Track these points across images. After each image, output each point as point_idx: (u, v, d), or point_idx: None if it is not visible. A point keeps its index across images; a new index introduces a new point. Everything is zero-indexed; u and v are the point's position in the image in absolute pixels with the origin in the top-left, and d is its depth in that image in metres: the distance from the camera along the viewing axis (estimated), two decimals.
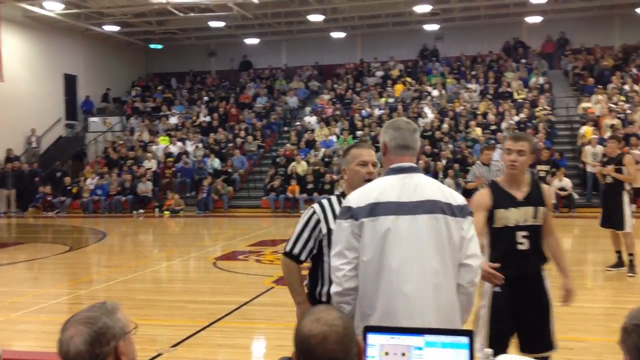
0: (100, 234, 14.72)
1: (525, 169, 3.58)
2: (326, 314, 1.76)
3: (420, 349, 1.96)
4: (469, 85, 22.52)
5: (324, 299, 3.08)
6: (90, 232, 15.61)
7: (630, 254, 8.20)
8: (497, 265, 3.25)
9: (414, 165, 2.63)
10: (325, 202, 3.18)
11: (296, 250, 3.16)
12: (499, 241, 3.51)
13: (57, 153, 23.01)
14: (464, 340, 1.95)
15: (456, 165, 17.53)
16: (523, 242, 3.50)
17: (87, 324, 1.75)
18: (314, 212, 3.15)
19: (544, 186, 3.73)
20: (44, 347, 5.30)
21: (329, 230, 3.01)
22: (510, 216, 3.50)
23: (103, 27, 23.40)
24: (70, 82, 24.44)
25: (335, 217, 2.94)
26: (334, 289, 2.57)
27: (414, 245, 2.48)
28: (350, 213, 2.54)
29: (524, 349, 3.50)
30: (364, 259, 2.52)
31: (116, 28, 23.66)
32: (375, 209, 2.50)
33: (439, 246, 2.49)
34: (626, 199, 8.14)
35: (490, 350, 1.96)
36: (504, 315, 3.46)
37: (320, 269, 3.13)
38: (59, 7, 20.36)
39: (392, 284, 2.47)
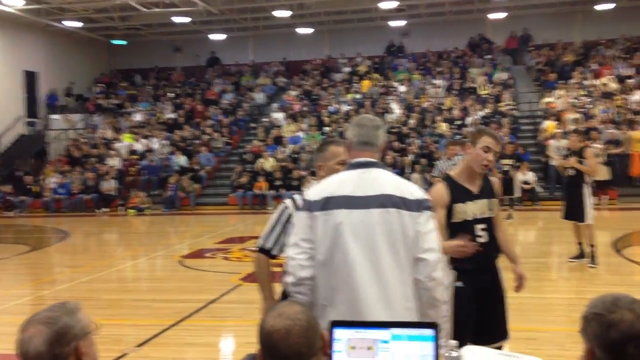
0: (62, 234, 14.44)
1: None
2: (288, 308, 1.76)
3: (386, 342, 1.96)
4: (435, 81, 22.74)
5: None
6: (52, 232, 15.30)
7: (592, 245, 8.39)
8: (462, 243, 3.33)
9: (374, 160, 2.65)
10: (297, 197, 3.21)
11: (268, 245, 3.21)
12: (459, 235, 3.50)
13: (18, 152, 22.45)
14: (430, 332, 1.97)
15: (423, 160, 17.67)
16: (482, 235, 3.55)
17: (47, 324, 1.72)
18: (286, 207, 3.19)
19: (493, 178, 3.78)
20: (4, 349, 5.17)
21: None
22: (468, 210, 3.53)
23: (64, 22, 22.88)
24: (30, 79, 23.85)
25: None
26: (288, 279, 2.57)
27: (367, 239, 2.50)
28: (307, 206, 2.60)
29: (478, 340, 3.41)
30: (318, 251, 2.55)
31: (78, 24, 23.16)
32: (329, 203, 2.54)
33: (392, 240, 2.50)
34: (587, 191, 8.32)
35: (454, 342, 1.98)
36: (466, 308, 3.48)
37: None
38: (19, 3, 19.85)
39: (344, 278, 2.50)
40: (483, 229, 3.55)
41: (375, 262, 2.49)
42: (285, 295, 3.16)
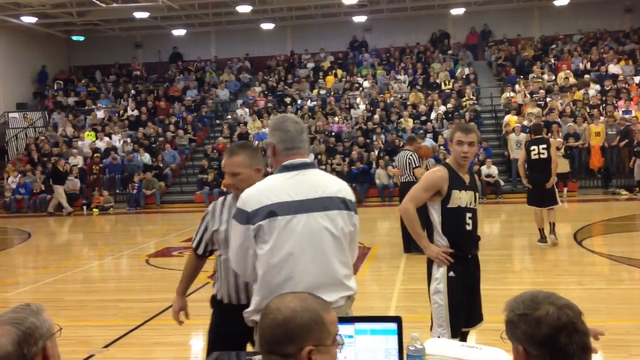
0: (25, 234, 14.13)
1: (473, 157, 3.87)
2: (291, 298, 1.70)
3: (351, 337, 2.01)
4: (399, 77, 22.91)
5: (219, 295, 3.33)
6: (14, 233, 14.94)
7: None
8: (450, 250, 3.67)
9: (307, 161, 2.64)
10: (220, 199, 3.34)
11: (194, 244, 3.39)
12: (452, 221, 3.74)
13: None
14: (393, 326, 2.02)
15: (387, 158, 17.77)
16: (469, 223, 3.78)
17: (14, 324, 1.71)
18: (208, 212, 3.33)
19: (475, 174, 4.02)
20: None
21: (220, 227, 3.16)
22: (463, 197, 3.75)
23: (21, 18, 22.32)
24: None
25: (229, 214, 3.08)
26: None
27: (313, 243, 2.49)
28: (246, 217, 2.53)
29: (467, 324, 3.81)
30: (266, 256, 2.51)
31: (34, 19, 22.63)
32: (272, 211, 2.49)
33: (338, 240, 2.54)
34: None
35: (417, 334, 2.03)
36: (460, 296, 3.71)
37: (217, 264, 3.30)
38: None
39: (293, 280, 2.46)
40: (470, 218, 3.78)
41: (324, 264, 2.50)
42: (213, 297, 3.31)
